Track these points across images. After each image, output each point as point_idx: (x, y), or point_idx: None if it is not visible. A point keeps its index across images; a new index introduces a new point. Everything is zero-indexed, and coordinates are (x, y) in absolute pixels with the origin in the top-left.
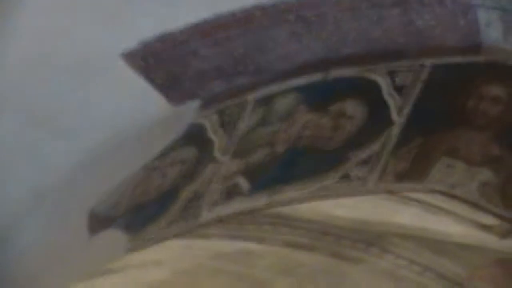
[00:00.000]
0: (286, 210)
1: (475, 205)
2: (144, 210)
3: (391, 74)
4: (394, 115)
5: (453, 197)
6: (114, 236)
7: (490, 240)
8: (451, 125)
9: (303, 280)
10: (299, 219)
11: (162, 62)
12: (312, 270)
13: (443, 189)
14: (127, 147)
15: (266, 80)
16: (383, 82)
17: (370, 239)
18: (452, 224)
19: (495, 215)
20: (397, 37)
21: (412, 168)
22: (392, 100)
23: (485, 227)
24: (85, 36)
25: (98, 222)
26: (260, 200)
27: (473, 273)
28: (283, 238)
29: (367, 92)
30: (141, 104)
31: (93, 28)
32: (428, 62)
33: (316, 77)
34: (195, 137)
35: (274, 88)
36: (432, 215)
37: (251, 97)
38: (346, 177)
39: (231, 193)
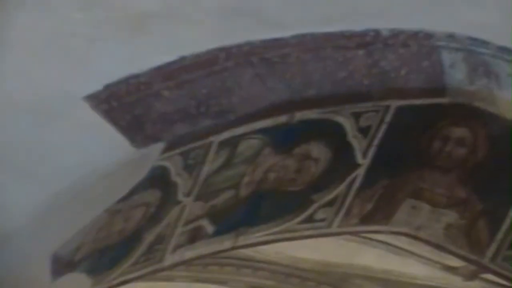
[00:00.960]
0: (249, 252)
1: (440, 247)
2: (107, 253)
3: (356, 115)
4: (359, 157)
5: (418, 239)
6: (77, 280)
7: (455, 282)
8: (416, 167)
9: None
10: (263, 261)
11: (126, 104)
12: None
13: (407, 231)
14: (90, 190)
15: (230, 123)
16: (348, 124)
17: (334, 281)
18: (416, 265)
19: (460, 257)
20: (361, 78)
21: (376, 209)
22: (356, 142)
23: (450, 269)
24: (48, 77)
25: (61, 265)
26: (224, 243)
27: None
28: (247, 280)
29: (332, 134)
30: (105, 147)
31: (56, 69)
32: (393, 103)
33: (280, 119)
34: (159, 179)
35: (238, 130)
36: (397, 256)
37: (215, 139)
38: (310, 219)
39: (195, 236)
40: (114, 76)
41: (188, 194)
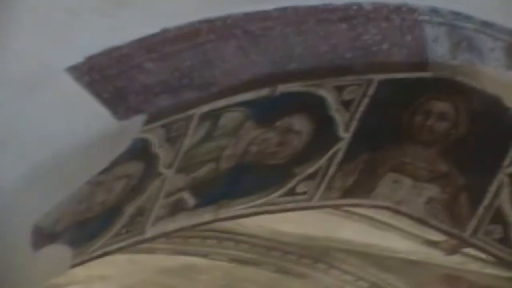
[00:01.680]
0: (231, 225)
1: (421, 221)
2: (88, 225)
3: (338, 89)
4: (341, 131)
5: (400, 213)
6: (59, 252)
7: (437, 256)
8: (398, 141)
9: None
10: (244, 234)
11: (108, 76)
12: (257, 285)
13: (389, 205)
14: (72, 162)
15: (213, 95)
16: (330, 98)
17: (316, 254)
18: (398, 240)
19: (441, 231)
20: (344, 52)
21: (358, 183)
22: (339, 116)
23: (431, 243)
24: (29, 50)
25: (42, 237)
26: (205, 216)
27: None
28: (228, 253)
29: (314, 107)
30: (86, 119)
31: (38, 42)
32: (375, 77)
33: (263, 92)
34: (140, 152)
35: (220, 103)
36: (378, 230)
37: (197, 112)
38: (291, 192)
39: (176, 208)
40: (96, 48)
41: (169, 166)
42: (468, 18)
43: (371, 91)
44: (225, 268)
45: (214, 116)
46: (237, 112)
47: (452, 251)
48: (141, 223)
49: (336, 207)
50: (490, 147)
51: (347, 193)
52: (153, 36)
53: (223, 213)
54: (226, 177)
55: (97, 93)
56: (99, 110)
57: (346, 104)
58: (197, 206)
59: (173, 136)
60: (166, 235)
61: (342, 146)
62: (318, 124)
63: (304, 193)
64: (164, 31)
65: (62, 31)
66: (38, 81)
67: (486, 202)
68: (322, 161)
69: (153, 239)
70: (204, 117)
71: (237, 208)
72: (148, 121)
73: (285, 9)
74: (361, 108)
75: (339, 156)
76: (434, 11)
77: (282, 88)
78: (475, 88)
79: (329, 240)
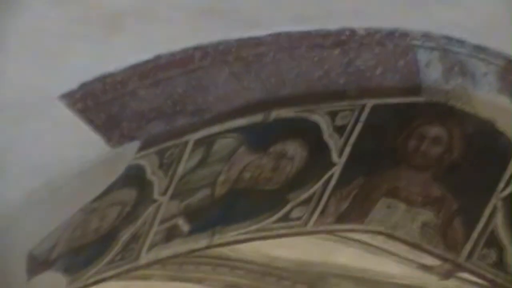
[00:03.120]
0: (226, 251)
1: (416, 246)
2: (83, 252)
3: (331, 114)
4: (335, 156)
5: (394, 238)
6: (53, 279)
7: (431, 281)
8: (391, 166)
9: None
10: (239, 260)
11: (101, 103)
12: None
13: (383, 230)
14: (65, 189)
15: (206, 121)
16: (323, 123)
17: (311, 279)
18: (392, 264)
19: (436, 255)
20: (337, 77)
21: (352, 208)
22: (332, 141)
23: (426, 268)
24: (22, 76)
25: (37, 264)
26: (200, 242)
27: None
28: (223, 279)
29: (308, 133)
30: (80, 146)
31: (30, 69)
32: (369, 102)
33: (256, 118)
34: (134, 178)
35: (214, 129)
36: (373, 255)
37: (190, 138)
38: (286, 217)
39: (171, 234)
40: (89, 75)
41: (163, 193)
42: (461, 42)
43: (364, 116)
44: None
45: (207, 142)
46: (230, 138)
47: (447, 275)
48: (136, 250)
49: (330, 232)
50: (484, 171)
51: (342, 218)
52: (146, 62)
53: (218, 239)
54: (220, 203)
55: (91, 120)
56: (93, 137)
57: (340, 129)
58: (191, 232)
59: (167, 162)
60: (160, 261)
61: (336, 171)
62: (311, 150)
63: (299, 218)
64: (157, 57)
65: (54, 58)
66: (31, 108)
67: (480, 226)
68: (316, 186)
69: (147, 265)
70: (197, 143)
71: (232, 234)
72: (142, 148)
73: (278, 35)
74: (355, 133)
75: (333, 181)
76: (427, 36)
77: (275, 114)
78: (468, 112)
79: (324, 265)
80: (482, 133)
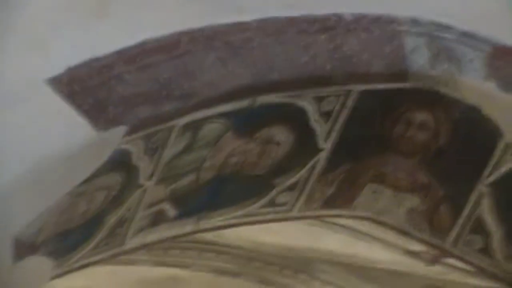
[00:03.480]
0: (211, 236)
1: (402, 232)
2: (69, 236)
3: (318, 100)
4: (321, 141)
5: (380, 223)
6: (39, 263)
7: (418, 267)
8: (378, 152)
9: None
10: (225, 245)
11: (88, 88)
12: None
13: (370, 216)
14: (52, 173)
15: (192, 106)
16: (310, 108)
17: (298, 265)
18: (379, 250)
19: (422, 241)
20: (323, 63)
21: (339, 194)
22: (318, 126)
23: (412, 254)
24: (8, 62)
25: (23, 248)
26: (186, 227)
27: None
28: (209, 264)
29: (294, 118)
30: (67, 131)
31: (17, 54)
32: (355, 88)
33: (243, 103)
34: (120, 163)
35: (200, 114)
36: (360, 241)
37: (177, 123)
38: (271, 203)
39: (157, 219)
40: (76, 60)
41: (149, 178)
42: (448, 28)
43: (350, 101)
44: (206, 279)
45: (194, 127)
46: (217, 123)
47: (433, 261)
48: (122, 235)
49: (317, 217)
50: (470, 157)
51: (328, 203)
52: (132, 47)
53: (204, 224)
54: (206, 188)
55: (77, 105)
56: (79, 122)
57: (326, 115)
58: (177, 217)
59: (153, 147)
60: (146, 246)
61: (322, 157)
62: (298, 135)
63: (285, 204)
64: (144, 42)
65: (41, 44)
66: (17, 93)
67: (466, 212)
68: (302, 172)
69: (133, 250)
70: (184, 128)
71: (218, 219)
72: (128, 133)
73: (264, 20)
74: (341, 119)
75: (319, 166)
76: (414, 21)
77: (261, 99)
78: (454, 98)
79: (311, 251)
80: (469, 119)
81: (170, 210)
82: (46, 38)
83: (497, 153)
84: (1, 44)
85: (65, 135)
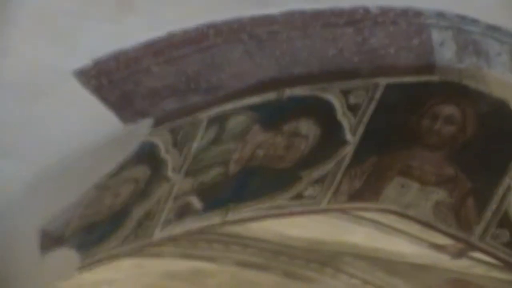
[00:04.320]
0: (238, 229)
1: (428, 225)
2: (96, 229)
3: (345, 93)
4: (348, 135)
5: (407, 217)
6: (66, 255)
7: (444, 260)
8: (405, 145)
9: None
10: (251, 238)
11: (115, 80)
12: None
13: (396, 209)
14: (78, 166)
15: (220, 99)
16: (337, 102)
17: (324, 259)
18: (405, 244)
19: (448, 235)
20: (351, 56)
21: (365, 187)
22: (345, 120)
23: (438, 247)
24: (35, 54)
25: (50, 241)
26: (213, 219)
27: None
28: (235, 257)
29: (321, 111)
30: (93, 123)
31: (44, 46)
32: (382, 81)
33: (270, 96)
34: (147, 156)
35: (227, 107)
36: (386, 235)
37: (204, 115)
38: (299, 196)
39: (183, 212)
40: (103, 52)
41: (177, 171)
42: (474, 22)
43: (378, 95)
44: (232, 272)
45: (221, 120)
46: (244, 116)
47: (459, 255)
48: (149, 227)
49: (343, 211)
50: (497, 150)
51: (355, 197)
52: (159, 40)
53: (231, 217)
54: (233, 181)
55: (104, 97)
56: (106, 114)
57: (353, 108)
58: (204, 210)
59: (181, 140)
60: (173, 238)
61: (349, 150)
62: (325, 128)
63: (312, 197)
64: (171, 35)
65: (68, 36)
66: (45, 85)
67: (493, 206)
68: (330, 165)
69: (160, 242)
70: (211, 121)
71: (245, 211)
72: (155, 125)
73: (291, 13)
74: (368, 112)
75: (347, 160)
76: (441, 15)
77: (288, 92)
78: (481, 92)
79: (337, 245)
80: (495, 113)
81: (197, 203)
82: (73, 30)
83: None
84: (28, 36)
85: (91, 127)
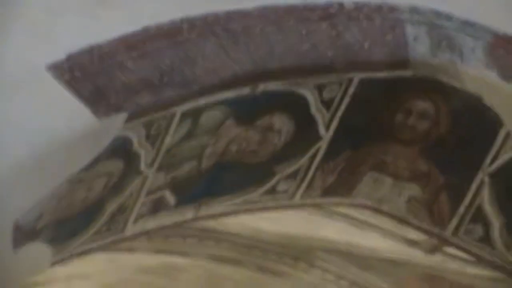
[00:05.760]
0: (211, 224)
1: (402, 221)
2: (69, 223)
3: (319, 88)
4: (322, 129)
5: (380, 212)
6: (39, 249)
7: (417, 256)
8: (378, 140)
9: None
10: (225, 233)
11: (88, 74)
12: (238, 284)
13: (370, 204)
14: (52, 160)
15: (193, 93)
16: (311, 96)
17: (297, 253)
18: (379, 239)
19: (422, 230)
20: (325, 51)
21: (339, 182)
22: (319, 115)
23: (412, 243)
24: (9, 49)
25: (23, 235)
26: (186, 214)
27: None
28: (208, 252)
29: (295, 106)
30: (67, 117)
31: (18, 41)
32: (356, 76)
33: (244, 90)
34: (121, 150)
35: (201, 101)
36: (359, 230)
37: (178, 110)
38: (272, 190)
39: (157, 206)
40: (77, 47)
41: (150, 165)
42: (449, 17)
43: (351, 89)
44: (205, 267)
45: (194, 114)
46: (217, 111)
47: (433, 250)
48: (122, 221)
49: (317, 205)
50: (471, 146)
51: (328, 191)
52: (133, 34)
53: (204, 212)
54: (206, 175)
55: (78, 91)
56: (80, 108)
57: (327, 103)
58: (177, 205)
59: (154, 134)
60: (146, 233)
61: (323, 145)
62: (299, 123)
63: (285, 191)
64: (145, 29)
65: (42, 31)
66: (19, 80)
67: (466, 201)
68: (303, 159)
69: (133, 237)
70: (185, 115)
71: (218, 206)
72: (129, 119)
73: (265, 7)
74: (342, 107)
75: (320, 154)
76: (415, 10)
77: (263, 86)
78: (455, 87)
79: (310, 239)
80: (469, 108)
81: (171, 198)
82: (47, 25)
83: (498, 142)
84: (2, 31)
85: (65, 121)
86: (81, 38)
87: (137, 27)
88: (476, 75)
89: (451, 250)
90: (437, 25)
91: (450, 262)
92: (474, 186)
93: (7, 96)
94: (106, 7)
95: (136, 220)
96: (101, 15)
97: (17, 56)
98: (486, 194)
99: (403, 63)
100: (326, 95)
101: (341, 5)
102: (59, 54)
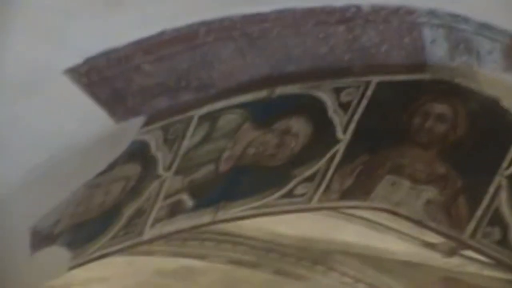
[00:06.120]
0: (229, 227)
1: (419, 223)
2: (87, 227)
3: (336, 91)
4: (339, 133)
5: (398, 215)
6: (57, 253)
7: (434, 258)
8: (396, 143)
9: None
10: (242, 236)
11: (106, 78)
12: (255, 287)
13: (387, 207)
14: (69, 164)
15: (210, 97)
16: (328, 99)
17: (315, 256)
18: (396, 242)
19: (439, 233)
20: (342, 54)
21: (356, 185)
22: (337, 118)
23: (429, 245)
24: (25, 52)
25: (40, 239)
26: (204, 217)
27: None
28: (226, 255)
29: (312, 109)
30: (84, 121)
31: (34, 44)
32: (373, 79)
33: (261, 94)
34: (138, 154)
35: (218, 105)
36: (376, 232)
37: (195, 113)
38: (290, 194)
39: (174, 210)
40: (93, 50)
41: (168, 169)
42: (466, 20)
43: (369, 93)
44: (223, 270)
45: (212, 118)
46: (235, 114)
47: (451, 253)
48: (139, 225)
49: (334, 209)
50: (489, 149)
51: (346, 195)
52: (150, 38)
53: (222, 215)
54: (224, 179)
55: (95, 95)
56: (97, 112)
57: (344, 106)
58: (195, 208)
59: (172, 138)
60: (164, 237)
61: (340, 148)
62: (316, 126)
63: (303, 195)
64: (162, 33)
65: (58, 33)
66: (35, 83)
67: (484, 204)
68: (321, 163)
69: (151, 241)
70: (202, 119)
71: (236, 210)
72: (146, 123)
73: (282, 11)
74: (360, 110)
75: (338, 158)
76: (432, 13)
77: (280, 90)
78: (473, 90)
79: (328, 242)
80: (487, 111)
81: (188, 201)
82: (63, 28)
83: None
84: (17, 34)
85: (82, 125)
86: (97, 42)
87: (153, 30)
88: (493, 77)
89: (468, 253)
90: (454, 28)
91: (468, 265)
92: (491, 189)
93: (22, 100)
94: (123, 10)
95: (153, 224)
96: (117, 18)
97: (33, 60)
98: (503, 197)
99: (421, 66)
100: (344, 98)
101: (358, 8)
102: (76, 58)
